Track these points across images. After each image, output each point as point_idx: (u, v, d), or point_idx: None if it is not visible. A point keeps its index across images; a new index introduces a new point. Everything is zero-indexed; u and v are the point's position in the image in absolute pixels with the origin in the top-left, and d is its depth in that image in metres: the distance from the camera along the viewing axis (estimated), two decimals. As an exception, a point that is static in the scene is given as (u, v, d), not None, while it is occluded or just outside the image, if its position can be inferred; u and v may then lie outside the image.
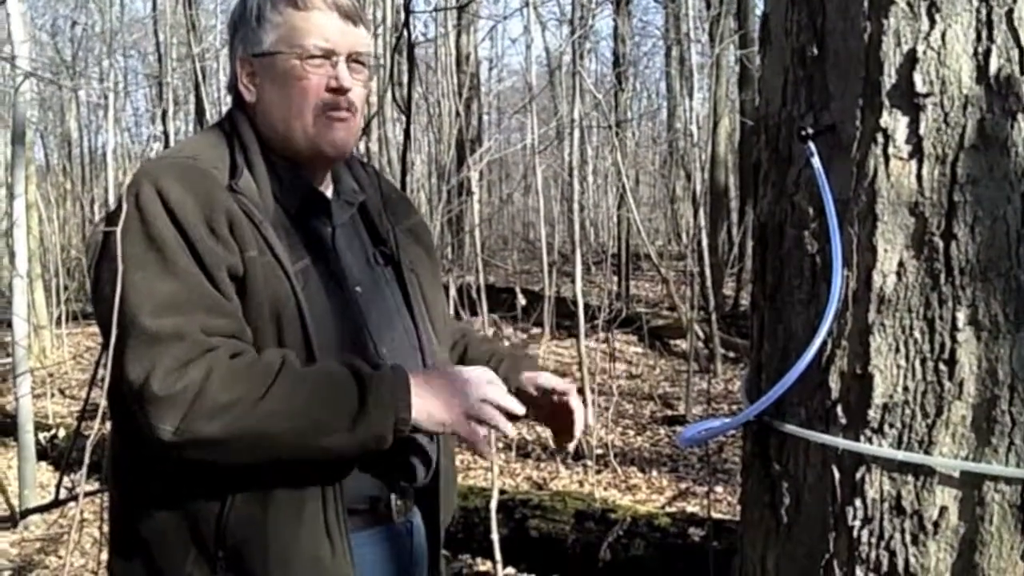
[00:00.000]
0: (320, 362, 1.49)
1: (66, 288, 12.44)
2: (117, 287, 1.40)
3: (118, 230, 1.42)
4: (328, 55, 1.60)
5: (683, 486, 6.25)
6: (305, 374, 1.46)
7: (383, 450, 1.47)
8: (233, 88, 1.66)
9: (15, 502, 5.48)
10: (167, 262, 1.44)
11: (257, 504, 1.47)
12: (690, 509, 5.40)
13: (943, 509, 1.24)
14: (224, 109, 1.72)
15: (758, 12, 12.12)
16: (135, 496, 1.53)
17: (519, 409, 1.53)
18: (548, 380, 1.78)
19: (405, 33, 2.89)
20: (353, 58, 1.63)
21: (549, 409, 1.78)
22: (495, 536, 3.88)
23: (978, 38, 1.23)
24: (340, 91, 1.60)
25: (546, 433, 6.98)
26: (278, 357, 1.45)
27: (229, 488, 1.47)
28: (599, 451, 6.68)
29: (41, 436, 6.72)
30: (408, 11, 2.94)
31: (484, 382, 1.52)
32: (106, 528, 1.69)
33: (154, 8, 16.09)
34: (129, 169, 17.49)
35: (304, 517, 1.49)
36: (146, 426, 1.38)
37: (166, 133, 14.25)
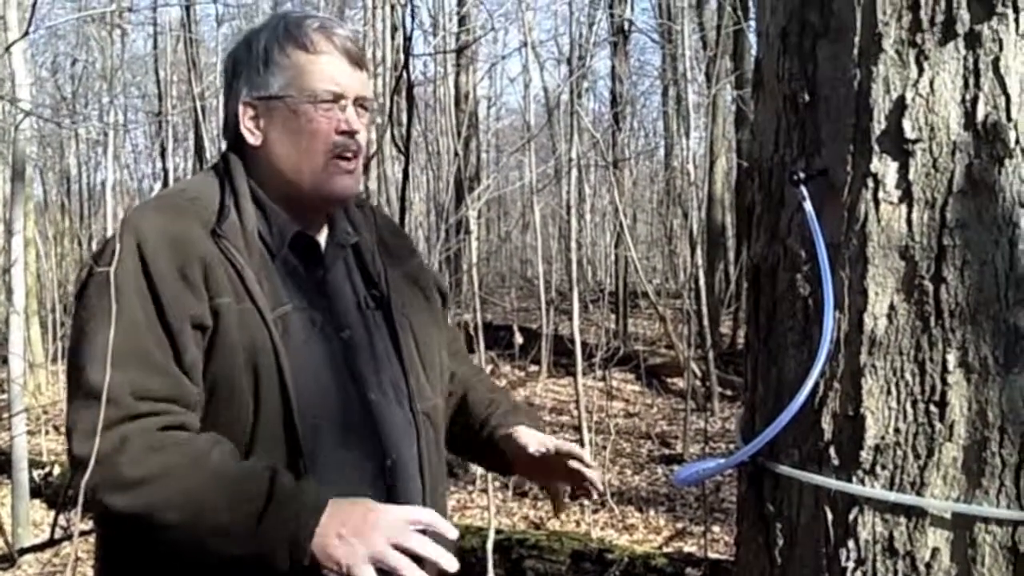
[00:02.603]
0: (254, 457, 1.45)
1: (62, 324, 12.44)
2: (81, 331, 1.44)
3: (96, 275, 1.45)
4: (338, 99, 1.61)
5: (680, 526, 6.23)
6: (222, 470, 1.40)
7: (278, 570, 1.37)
8: (232, 130, 1.65)
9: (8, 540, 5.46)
10: (120, 313, 1.40)
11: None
12: (687, 549, 5.38)
13: (935, 550, 1.25)
14: (223, 147, 1.72)
15: (753, 53, 12.25)
16: (112, 531, 1.53)
17: (436, 557, 1.40)
18: (562, 445, 1.77)
19: (405, 75, 2.92)
20: (359, 102, 1.64)
21: (561, 472, 1.78)
22: (491, 576, 3.87)
23: (965, 85, 1.26)
24: (350, 134, 1.61)
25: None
26: (209, 446, 1.42)
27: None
28: (596, 490, 6.65)
29: (35, 474, 6.70)
30: (408, 54, 2.98)
31: (403, 525, 1.39)
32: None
33: (155, 46, 16.22)
34: (128, 206, 17.56)
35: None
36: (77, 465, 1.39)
37: (165, 170, 14.33)
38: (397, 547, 1.37)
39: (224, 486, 1.39)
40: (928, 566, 1.25)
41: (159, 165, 16.62)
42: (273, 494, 1.38)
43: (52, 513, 6.45)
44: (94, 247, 16.01)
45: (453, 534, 1.46)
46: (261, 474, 1.41)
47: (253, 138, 1.63)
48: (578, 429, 7.49)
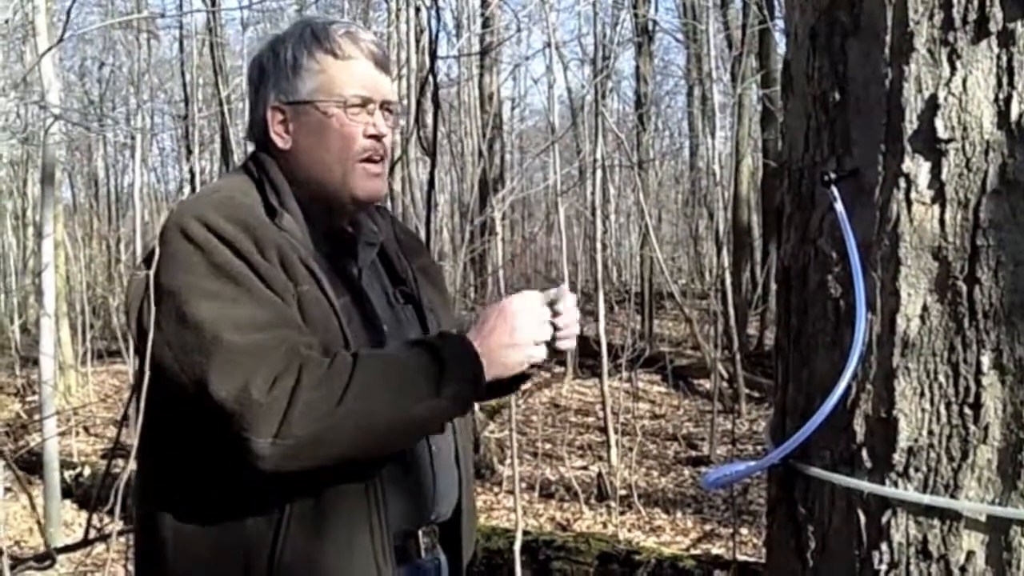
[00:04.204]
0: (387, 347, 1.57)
1: (91, 326, 12.56)
2: (179, 320, 1.43)
3: (168, 267, 1.46)
4: (366, 103, 1.64)
5: (708, 528, 6.21)
6: (381, 357, 1.50)
7: (472, 405, 1.57)
8: (261, 134, 1.67)
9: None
10: (240, 288, 1.45)
11: (310, 536, 1.48)
12: (715, 551, 5.36)
13: (970, 554, 1.24)
14: (249, 150, 1.75)
15: (779, 51, 12.18)
16: (180, 532, 1.53)
17: (569, 338, 1.62)
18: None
19: (430, 77, 2.93)
20: (385, 106, 1.67)
21: None
22: (518, 577, 3.86)
23: (999, 84, 1.24)
24: (378, 138, 1.64)
25: (569, 474, 6.96)
26: (350, 353, 1.48)
27: (282, 514, 1.48)
28: (623, 492, 6.65)
29: (66, 474, 6.77)
30: (434, 56, 2.99)
31: (537, 324, 1.57)
32: (131, 567, 1.69)
33: (181, 50, 16.34)
34: (156, 209, 17.70)
35: (355, 549, 1.51)
36: (240, 440, 1.39)
37: (192, 173, 14.44)
38: (539, 343, 1.57)
39: (399, 364, 1.50)
40: (963, 569, 1.24)
41: (185, 168, 16.74)
42: (435, 349, 1.51)
43: (82, 513, 6.52)
44: (122, 250, 16.18)
45: (568, 293, 1.63)
46: (414, 345, 1.55)
47: (282, 142, 1.65)
48: (604, 430, 7.48)
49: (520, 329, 1.55)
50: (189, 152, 15.40)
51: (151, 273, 1.49)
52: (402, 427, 1.48)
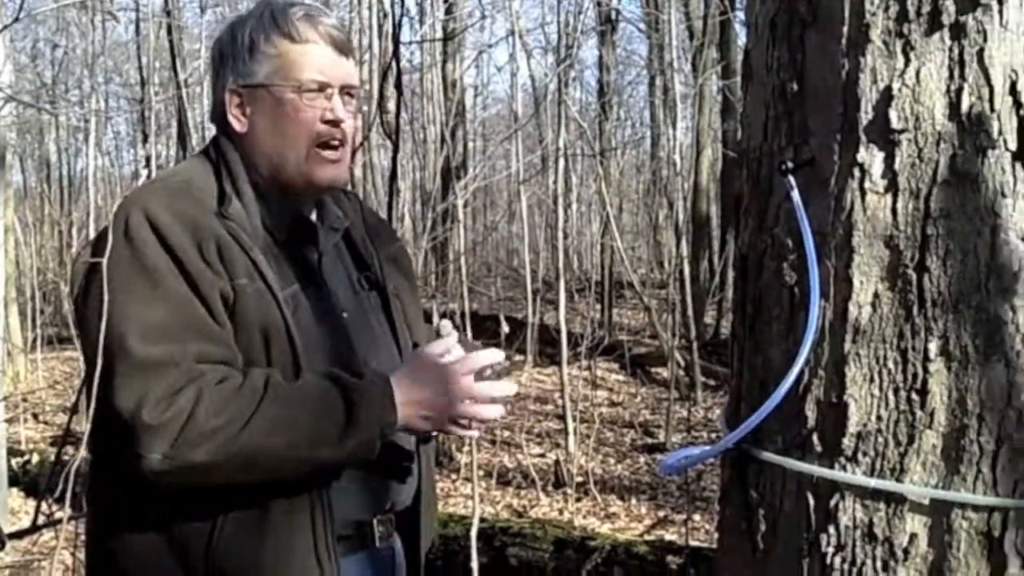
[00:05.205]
0: (304, 376, 1.51)
1: (42, 312, 12.36)
2: (103, 315, 1.41)
3: (104, 258, 1.43)
4: (323, 88, 1.62)
5: (662, 514, 6.26)
6: (291, 391, 1.47)
7: (371, 457, 1.51)
8: (220, 117, 1.66)
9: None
10: (158, 288, 1.44)
11: (248, 529, 1.48)
12: (669, 537, 5.41)
13: (913, 536, 1.26)
14: (207, 135, 1.73)
15: (740, 43, 12.26)
16: (119, 522, 1.53)
17: (506, 391, 1.57)
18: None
19: (393, 63, 2.92)
20: (345, 90, 1.65)
21: None
22: (475, 564, 3.88)
23: (951, 76, 1.27)
24: (335, 124, 1.62)
25: (527, 462, 6.99)
26: (262, 377, 1.46)
27: (219, 512, 1.47)
28: (579, 479, 6.69)
29: (13, 462, 6.66)
30: (397, 42, 2.98)
31: (462, 378, 1.52)
32: (81, 555, 1.69)
33: (137, 32, 16.08)
34: (109, 193, 17.44)
35: (295, 541, 1.50)
36: (134, 455, 1.39)
37: (148, 158, 14.25)
38: (470, 399, 1.53)
39: (306, 402, 1.46)
40: (906, 551, 1.27)
41: (141, 152, 16.50)
42: (348, 391, 1.47)
43: (30, 501, 6.43)
44: (75, 235, 15.92)
45: (499, 357, 1.59)
46: (324, 381, 1.49)
47: (239, 125, 1.64)
48: (563, 418, 7.51)
49: (452, 383, 1.52)
50: (145, 137, 15.17)
51: (91, 260, 1.48)
52: (298, 467, 1.47)
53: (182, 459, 1.39)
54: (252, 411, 1.42)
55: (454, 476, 7.17)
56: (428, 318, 2.01)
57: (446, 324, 1.66)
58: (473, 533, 3.96)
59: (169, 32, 12.93)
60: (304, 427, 1.44)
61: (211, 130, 1.72)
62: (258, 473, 1.45)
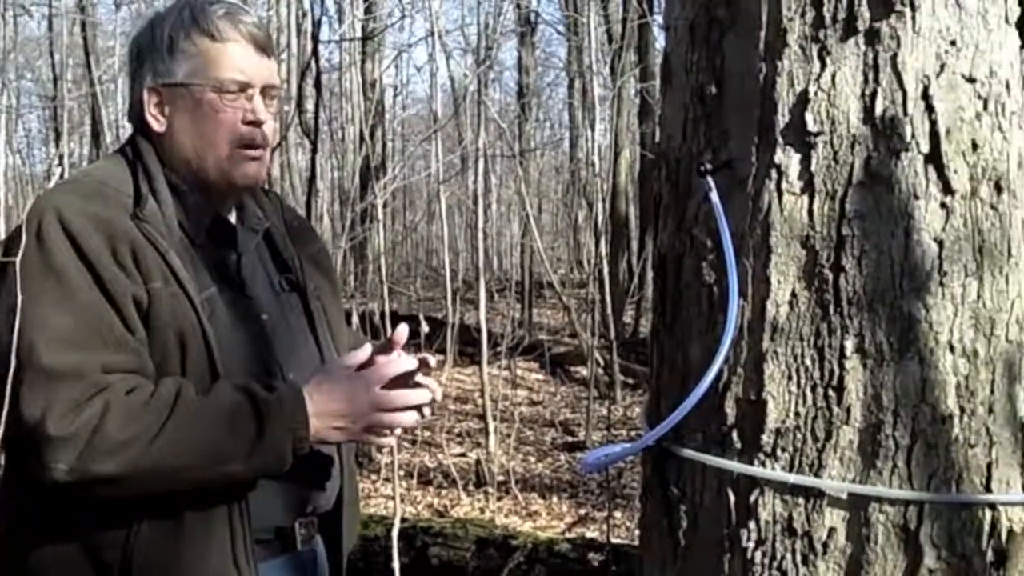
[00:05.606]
0: (216, 387, 1.48)
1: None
2: (16, 321, 1.36)
3: (17, 260, 1.39)
4: (244, 88, 1.59)
5: (583, 512, 6.31)
6: (201, 405, 1.44)
7: (283, 471, 1.49)
8: (138, 116, 1.63)
9: None
10: (68, 294, 1.41)
11: (164, 534, 1.46)
12: (590, 535, 5.45)
13: (831, 530, 1.29)
14: (122, 133, 1.70)
15: (658, 46, 12.42)
16: (32, 529, 1.49)
17: (422, 398, 1.56)
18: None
19: (312, 62, 2.89)
20: (266, 91, 1.63)
21: None
22: (396, 564, 3.86)
23: (865, 80, 1.30)
24: (256, 124, 1.60)
25: (447, 461, 6.98)
26: (173, 389, 1.44)
27: (134, 517, 1.45)
28: (500, 478, 6.70)
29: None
30: (316, 41, 2.94)
31: (375, 387, 1.51)
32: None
33: (50, 28, 15.61)
34: (20, 192, 16.90)
35: (212, 547, 1.48)
36: (40, 465, 1.36)
37: (61, 156, 13.85)
38: (384, 409, 1.52)
39: (216, 417, 1.43)
40: (825, 545, 1.29)
41: (54, 151, 16.02)
42: (258, 404, 1.44)
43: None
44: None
45: (412, 364, 1.56)
46: (235, 393, 1.46)
47: (158, 125, 1.61)
48: (483, 417, 7.51)
49: (366, 393, 1.51)
50: (58, 135, 14.75)
51: (1, 261, 1.43)
52: (208, 481, 1.46)
53: (87, 472, 1.36)
54: (160, 425, 1.40)
55: (374, 477, 7.12)
56: (348, 318, 1.99)
57: (402, 329, 1.61)
58: (394, 533, 3.94)
59: (83, 28, 12.59)
60: (213, 443, 1.43)
61: (126, 129, 1.68)
62: (166, 485, 1.43)
